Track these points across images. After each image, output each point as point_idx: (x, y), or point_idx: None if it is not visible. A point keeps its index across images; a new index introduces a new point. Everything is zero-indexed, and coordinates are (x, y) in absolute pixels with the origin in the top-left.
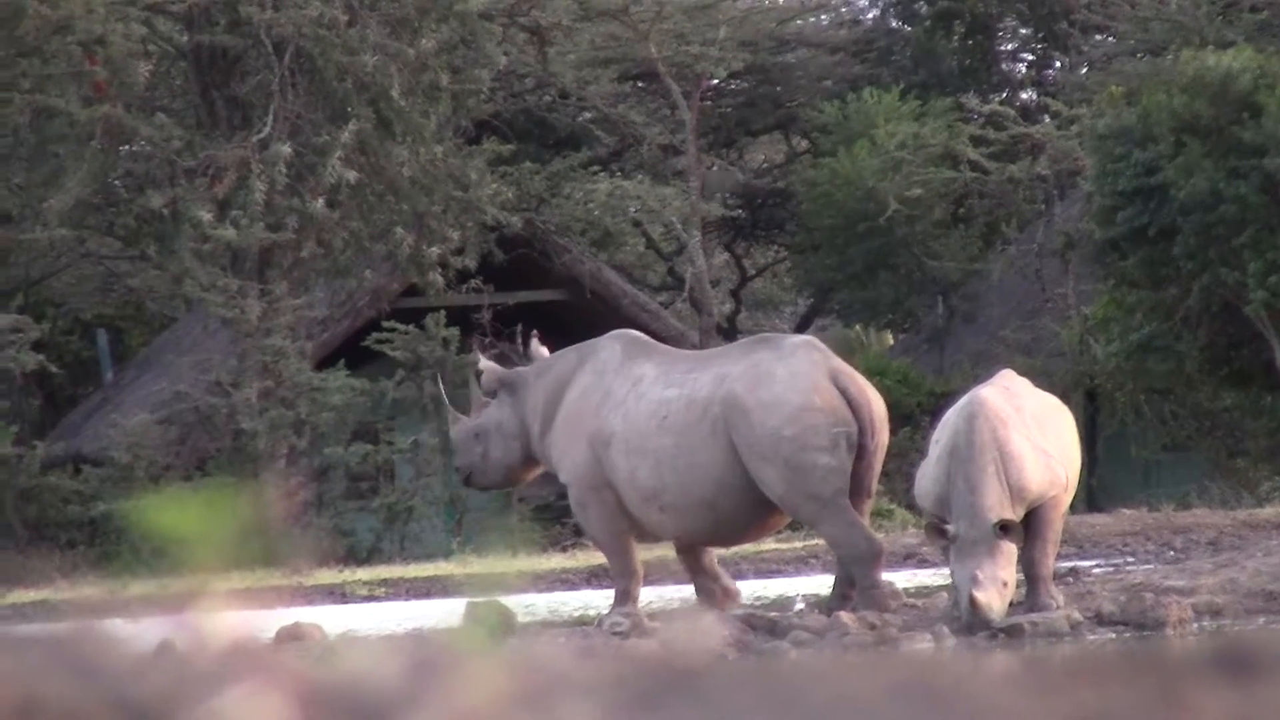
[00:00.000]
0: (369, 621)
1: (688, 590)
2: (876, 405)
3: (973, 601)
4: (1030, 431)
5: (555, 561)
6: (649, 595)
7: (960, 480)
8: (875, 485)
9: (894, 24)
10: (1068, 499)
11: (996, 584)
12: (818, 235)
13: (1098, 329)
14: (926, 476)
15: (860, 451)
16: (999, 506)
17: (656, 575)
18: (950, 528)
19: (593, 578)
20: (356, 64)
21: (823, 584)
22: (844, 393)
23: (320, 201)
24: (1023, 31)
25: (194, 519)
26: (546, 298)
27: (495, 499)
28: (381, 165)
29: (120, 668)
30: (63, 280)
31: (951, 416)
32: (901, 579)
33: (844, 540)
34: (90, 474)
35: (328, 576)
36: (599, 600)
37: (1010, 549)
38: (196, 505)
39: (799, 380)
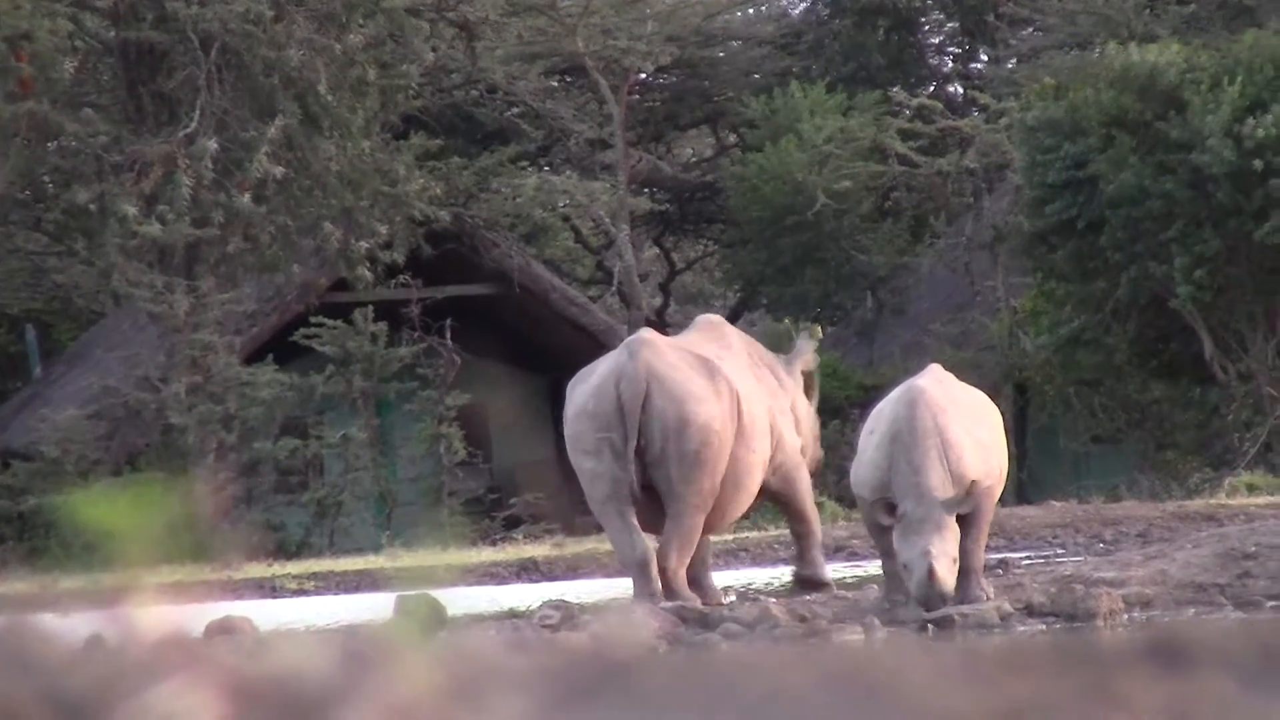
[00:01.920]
0: (299, 615)
1: (619, 583)
2: (672, 412)
3: (931, 573)
4: (966, 423)
5: (485, 555)
6: (581, 588)
7: (904, 463)
8: (691, 493)
9: (821, 18)
10: (998, 492)
11: (948, 558)
12: (746, 229)
13: (1027, 322)
14: (865, 464)
15: (656, 459)
16: (942, 488)
17: (587, 568)
18: (900, 508)
19: (522, 571)
20: (283, 59)
21: (752, 577)
22: (619, 398)
23: (247, 197)
24: (949, 25)
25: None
26: (475, 292)
27: (425, 493)
28: (308, 160)
29: (50, 663)
30: None
31: (888, 406)
32: (832, 571)
33: (613, 545)
34: (19, 469)
35: (257, 570)
36: (530, 594)
37: (955, 527)
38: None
39: (589, 383)
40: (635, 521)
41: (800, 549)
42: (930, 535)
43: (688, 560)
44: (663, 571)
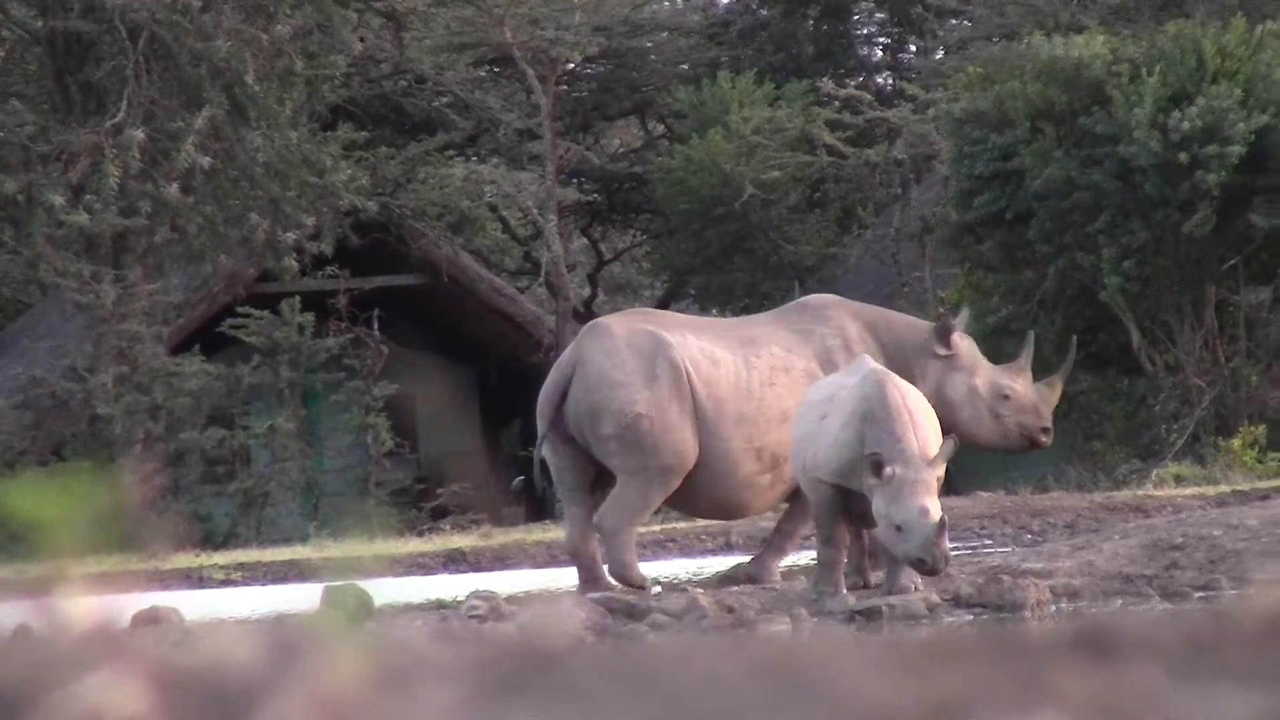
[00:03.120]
0: (226, 606)
1: (547, 574)
2: (585, 400)
3: (942, 528)
4: (925, 414)
5: (413, 546)
6: (508, 579)
7: (884, 434)
8: (624, 470)
9: (749, 7)
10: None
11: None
12: (674, 220)
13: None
14: (830, 446)
15: (586, 446)
16: (925, 456)
17: (514, 559)
18: (889, 469)
19: (449, 562)
20: (210, 50)
21: (681, 568)
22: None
23: (174, 187)
24: (878, 15)
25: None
26: (403, 283)
27: (352, 483)
28: (235, 151)
29: None
30: None
31: (845, 390)
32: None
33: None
34: None
35: (184, 561)
36: (457, 585)
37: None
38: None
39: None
40: (577, 510)
41: (768, 544)
42: (924, 496)
43: (626, 533)
44: (598, 539)
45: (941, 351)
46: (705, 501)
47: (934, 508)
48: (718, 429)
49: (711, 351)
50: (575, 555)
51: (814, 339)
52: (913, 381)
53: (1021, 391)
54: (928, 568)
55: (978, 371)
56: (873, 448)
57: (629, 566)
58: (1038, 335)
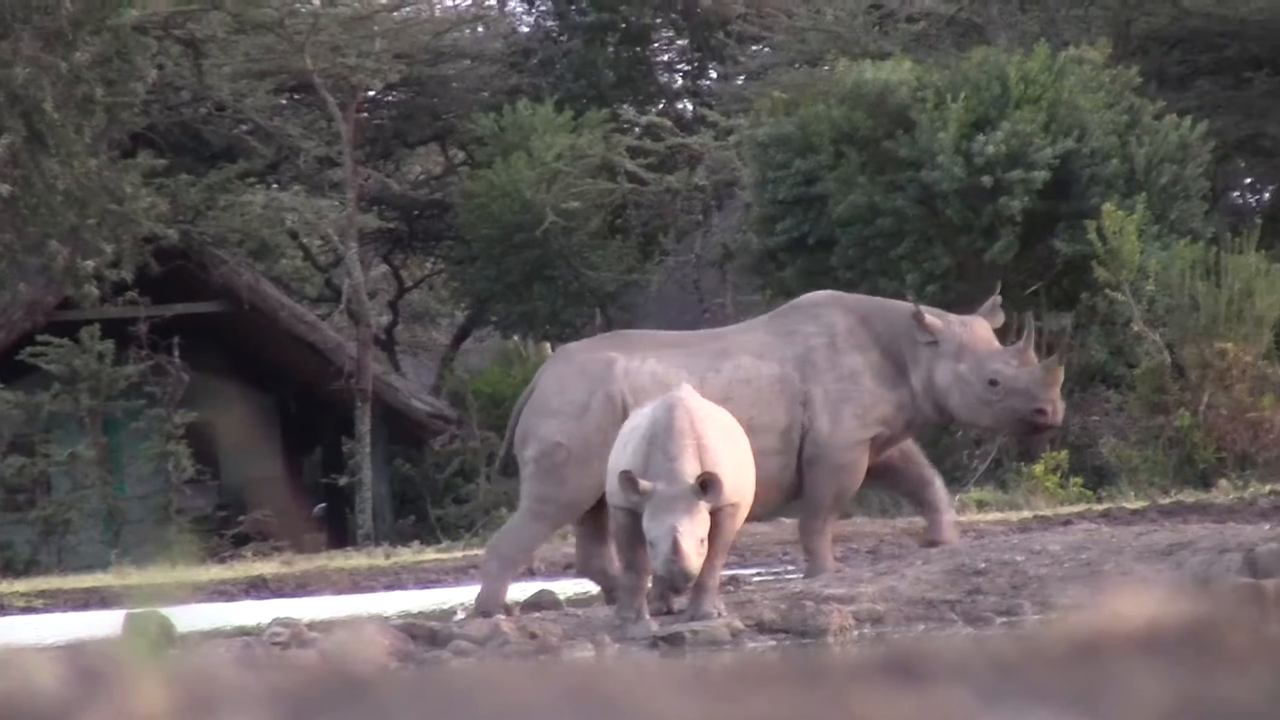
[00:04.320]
0: (27, 633)
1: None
2: (523, 425)
3: (676, 547)
4: (720, 438)
5: (215, 573)
6: (310, 606)
7: (659, 454)
8: (528, 497)
9: (550, 35)
10: (742, 516)
11: (695, 539)
12: (475, 246)
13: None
14: (620, 467)
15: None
16: (695, 476)
17: (316, 585)
18: (645, 483)
19: (251, 588)
20: (8, 77)
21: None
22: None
23: None
24: (679, 42)
25: None
26: (204, 309)
27: (154, 510)
28: (34, 179)
29: None
30: None
31: (642, 417)
32: (562, 589)
33: None
34: None
35: None
36: (259, 612)
37: (705, 513)
38: None
39: None
40: (579, 529)
41: (809, 549)
42: (680, 515)
43: (511, 566)
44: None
45: (922, 338)
46: None
47: (684, 527)
48: None
49: (664, 374)
50: (583, 573)
51: (796, 340)
52: (908, 369)
53: (1010, 375)
54: (668, 584)
55: (964, 357)
56: (648, 468)
57: (498, 596)
58: None
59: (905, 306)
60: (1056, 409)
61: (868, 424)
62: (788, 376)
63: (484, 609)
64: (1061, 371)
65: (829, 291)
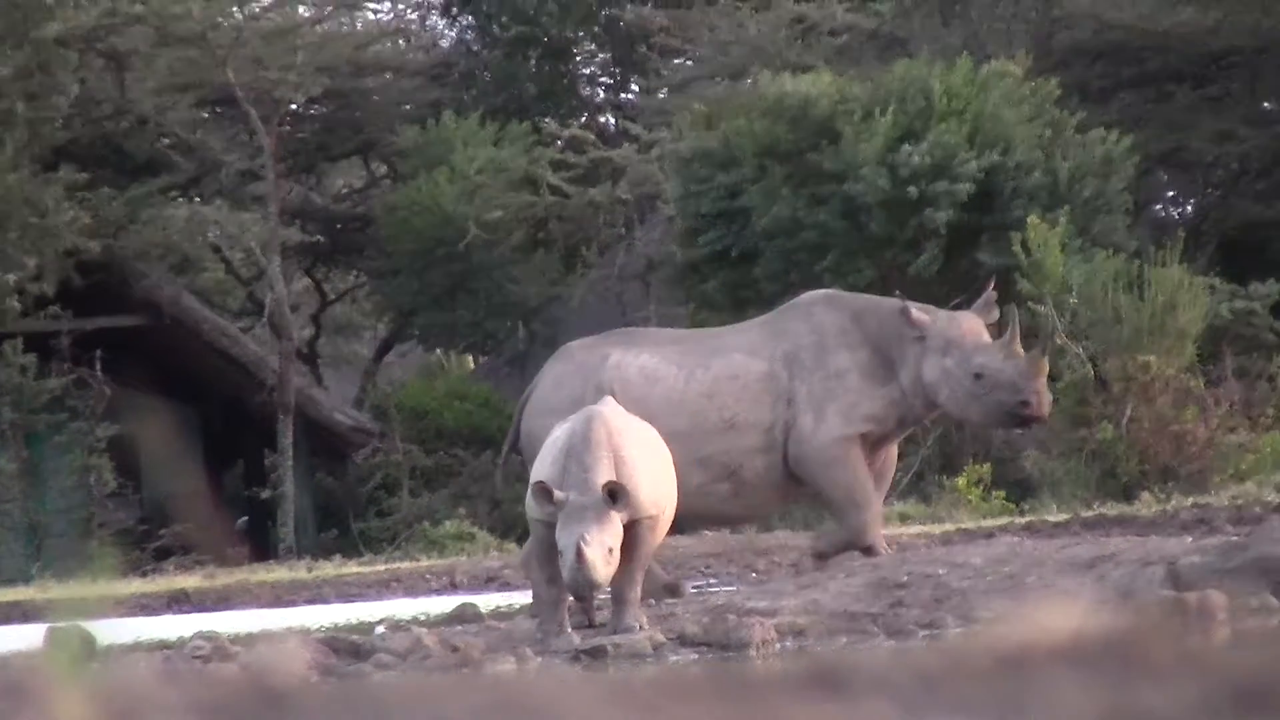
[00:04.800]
0: None
1: (271, 614)
2: (523, 424)
3: (579, 555)
4: (639, 450)
5: (136, 586)
6: (232, 620)
7: (574, 465)
8: None
9: (472, 48)
10: (663, 529)
11: (603, 549)
12: (397, 260)
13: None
14: (539, 480)
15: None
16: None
17: (238, 599)
18: (559, 494)
19: (173, 602)
20: None
21: (405, 608)
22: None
23: None
24: (601, 56)
25: None
26: (126, 323)
27: (75, 524)
28: None
29: None
30: None
31: (562, 430)
32: (484, 602)
33: None
34: None
35: None
36: (181, 626)
37: (618, 522)
38: None
39: None
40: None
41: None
42: (589, 524)
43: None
44: None
45: (910, 333)
46: (684, 514)
47: (591, 536)
48: None
49: (654, 369)
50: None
51: (787, 338)
52: (897, 368)
53: (995, 368)
54: (574, 593)
55: (951, 352)
56: (564, 479)
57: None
58: None
59: (896, 303)
60: (1042, 401)
61: (852, 421)
62: (775, 374)
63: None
64: (1046, 364)
65: (826, 290)
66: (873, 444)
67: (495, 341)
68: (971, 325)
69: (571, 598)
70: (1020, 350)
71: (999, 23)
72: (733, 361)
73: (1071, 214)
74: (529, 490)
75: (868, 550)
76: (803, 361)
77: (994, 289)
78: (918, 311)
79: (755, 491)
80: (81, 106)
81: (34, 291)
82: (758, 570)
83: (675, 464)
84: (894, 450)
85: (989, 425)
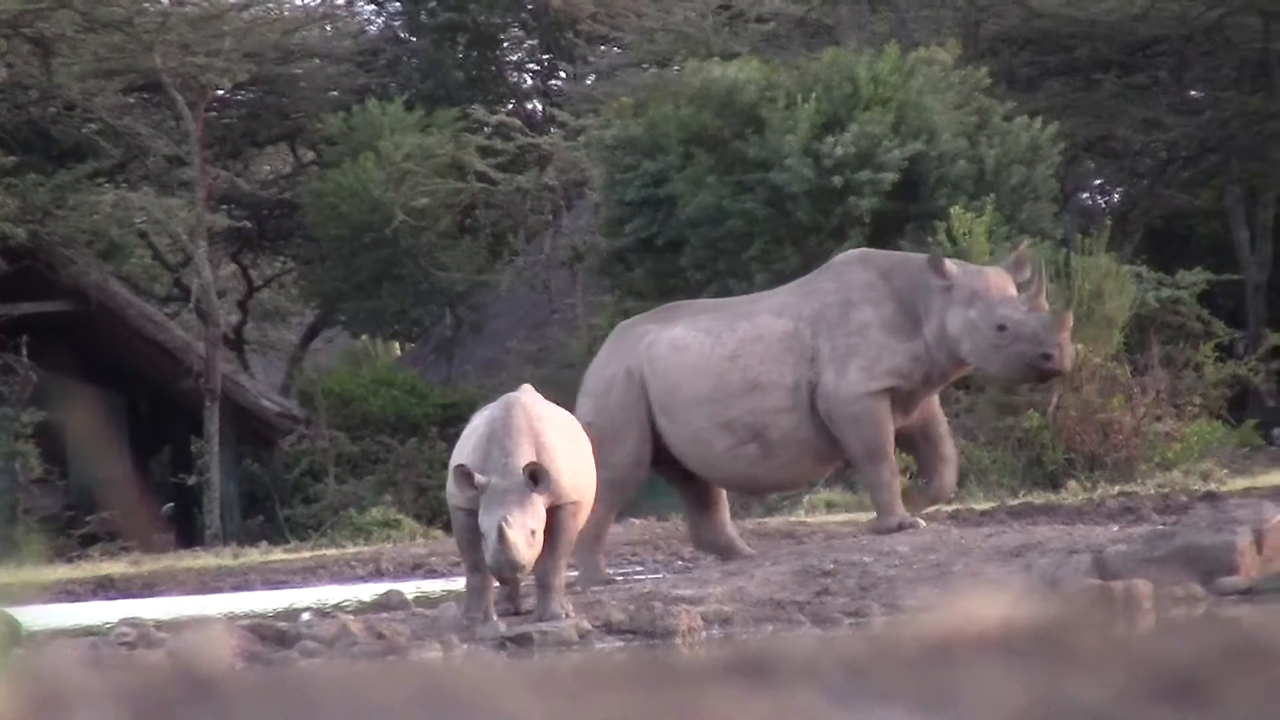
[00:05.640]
0: None
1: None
2: None
3: (501, 535)
4: (559, 436)
5: (62, 573)
6: (158, 606)
7: (496, 450)
8: None
9: (399, 35)
10: (584, 516)
11: (525, 530)
12: (324, 246)
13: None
14: (461, 464)
15: None
16: (555, 472)
17: (164, 585)
18: (481, 477)
19: (99, 589)
20: None
21: (331, 595)
22: None
23: None
24: (529, 42)
25: None
26: (52, 309)
27: (1, 511)
28: None
29: None
30: None
31: (482, 418)
32: (410, 588)
33: None
34: None
35: None
36: (107, 612)
37: (540, 504)
38: None
39: None
40: (685, 504)
41: (874, 503)
42: (512, 506)
43: (591, 541)
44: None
45: (938, 282)
46: (718, 482)
47: (513, 517)
48: (677, 414)
49: (683, 339)
50: (697, 546)
51: (815, 298)
52: (925, 320)
53: (1018, 320)
54: (497, 575)
55: (975, 304)
56: (486, 465)
57: (595, 577)
58: None
59: (926, 257)
60: (1065, 354)
61: (876, 375)
62: (799, 333)
63: (593, 585)
64: (1070, 317)
65: (861, 249)
66: (903, 401)
67: (422, 328)
68: (998, 280)
69: (497, 583)
70: (1044, 304)
71: (926, 10)
72: (758, 323)
73: (998, 202)
74: (450, 475)
75: (877, 507)
76: (828, 319)
77: (1026, 247)
78: (949, 263)
79: (784, 451)
80: (7, 92)
81: None
82: (684, 558)
83: (702, 430)
84: (936, 408)
85: (1010, 378)
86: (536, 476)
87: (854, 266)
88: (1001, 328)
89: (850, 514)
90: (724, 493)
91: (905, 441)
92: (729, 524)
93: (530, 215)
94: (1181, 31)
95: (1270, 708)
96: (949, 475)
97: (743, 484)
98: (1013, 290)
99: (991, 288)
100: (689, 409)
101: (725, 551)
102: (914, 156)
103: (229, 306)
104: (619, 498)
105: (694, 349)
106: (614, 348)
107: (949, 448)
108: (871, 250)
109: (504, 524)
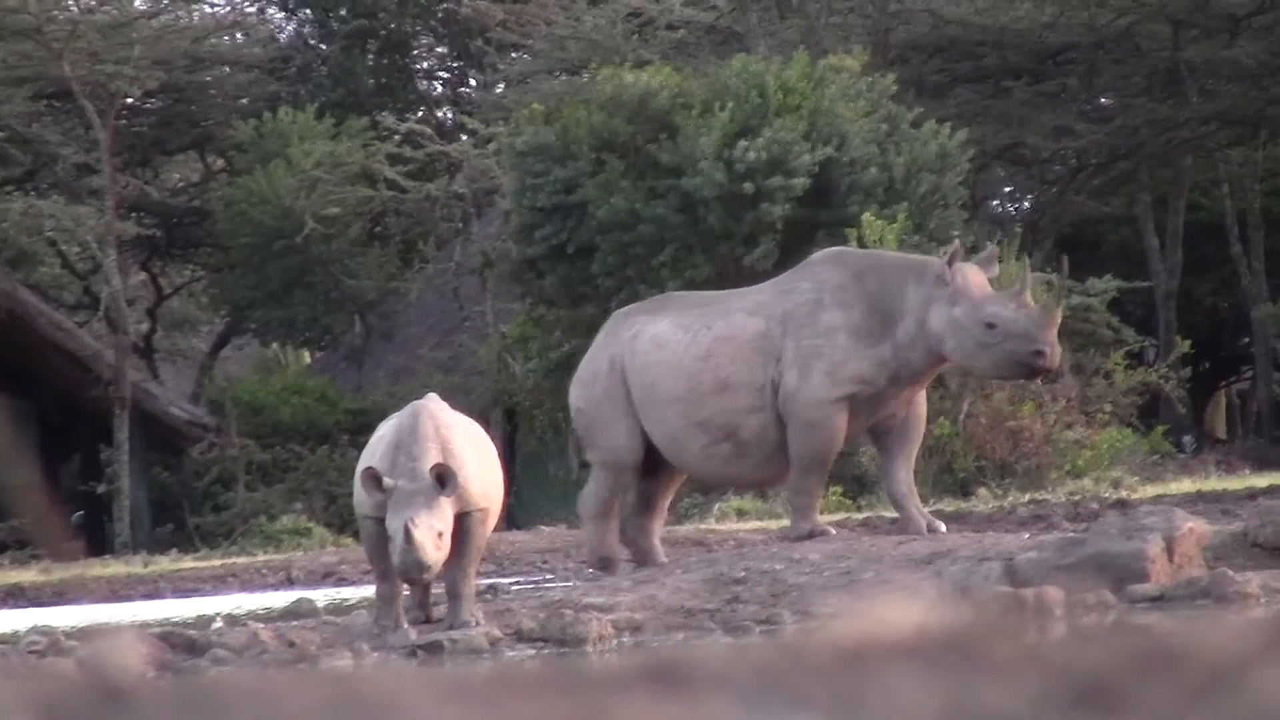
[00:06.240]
0: None
1: (107, 609)
2: None
3: (408, 536)
4: (466, 443)
5: None
6: (68, 614)
7: (403, 456)
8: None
9: (309, 42)
10: (491, 522)
11: (432, 532)
12: (235, 254)
13: (516, 347)
14: (368, 467)
15: None
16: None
17: (74, 594)
18: (388, 480)
19: (8, 597)
20: None
21: (242, 603)
22: None
23: None
24: (439, 50)
25: None
26: None
27: None
28: None
29: None
30: None
31: (388, 426)
32: (320, 597)
33: None
34: None
35: None
36: (16, 620)
37: (447, 507)
38: None
39: None
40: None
41: (792, 506)
42: (419, 508)
43: (598, 521)
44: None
45: (938, 287)
46: (698, 478)
47: (420, 519)
48: (654, 412)
49: (665, 335)
50: (620, 540)
51: (789, 297)
52: (898, 320)
53: (1008, 317)
54: (404, 576)
55: (960, 301)
56: (393, 471)
57: (603, 548)
58: None
59: (907, 258)
60: (1054, 351)
61: (839, 382)
62: (769, 333)
63: (596, 560)
64: (1059, 315)
65: (838, 248)
66: (867, 402)
67: (332, 336)
68: (976, 276)
69: (407, 591)
70: (1030, 301)
71: (836, 17)
72: (733, 322)
73: (908, 209)
74: (356, 480)
75: (795, 510)
76: (797, 318)
77: (997, 244)
78: (954, 267)
79: (757, 451)
80: None
81: None
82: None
83: (678, 429)
84: (921, 409)
85: (997, 375)
86: (443, 479)
87: (829, 266)
88: (991, 325)
89: (761, 521)
90: (666, 503)
91: (877, 434)
92: (657, 533)
93: (440, 223)
94: (1091, 39)
95: (1180, 714)
96: (905, 475)
97: (722, 481)
98: (989, 287)
99: (972, 285)
100: (665, 407)
101: (643, 556)
102: (825, 163)
103: (138, 314)
104: (615, 479)
105: (671, 347)
106: (605, 338)
107: (914, 447)
108: (848, 250)
109: (410, 525)
